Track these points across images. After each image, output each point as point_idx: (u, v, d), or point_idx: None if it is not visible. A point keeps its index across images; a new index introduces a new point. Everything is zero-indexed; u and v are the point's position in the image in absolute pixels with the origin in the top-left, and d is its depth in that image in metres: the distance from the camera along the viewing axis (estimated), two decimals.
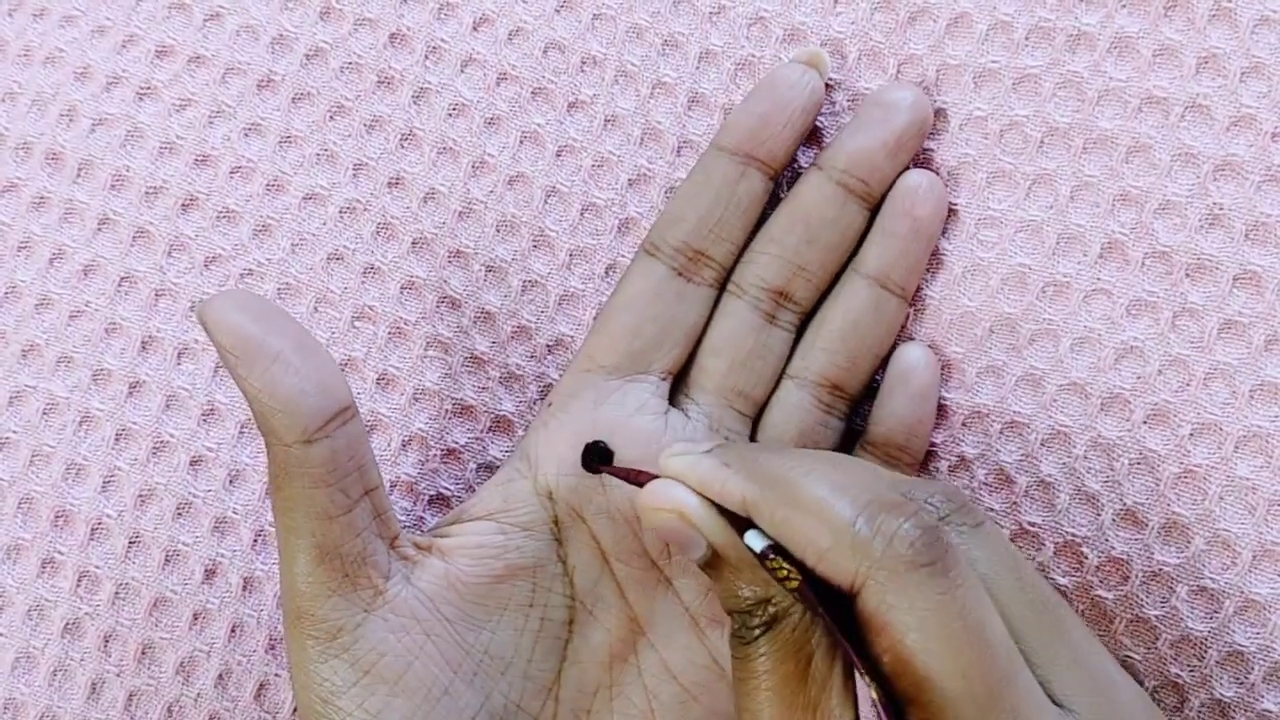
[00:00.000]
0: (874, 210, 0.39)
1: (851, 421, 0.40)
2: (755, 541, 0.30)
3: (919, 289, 0.40)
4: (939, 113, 0.40)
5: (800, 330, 0.40)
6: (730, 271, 0.40)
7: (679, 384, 0.39)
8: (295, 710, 0.40)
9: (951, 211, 0.40)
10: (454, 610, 0.36)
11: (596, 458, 0.37)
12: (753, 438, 0.39)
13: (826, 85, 0.41)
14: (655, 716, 0.37)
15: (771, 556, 0.30)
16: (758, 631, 0.30)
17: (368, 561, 0.34)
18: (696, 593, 0.38)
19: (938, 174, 0.40)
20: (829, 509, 0.29)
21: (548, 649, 0.37)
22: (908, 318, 0.40)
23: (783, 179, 0.41)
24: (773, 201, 0.41)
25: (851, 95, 0.41)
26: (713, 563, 0.31)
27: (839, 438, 0.40)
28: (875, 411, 0.39)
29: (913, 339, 0.40)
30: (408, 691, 0.34)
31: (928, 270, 0.40)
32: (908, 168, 0.40)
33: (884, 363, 0.40)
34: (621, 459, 0.37)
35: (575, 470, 0.37)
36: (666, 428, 0.38)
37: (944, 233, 0.40)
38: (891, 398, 0.39)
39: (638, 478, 0.33)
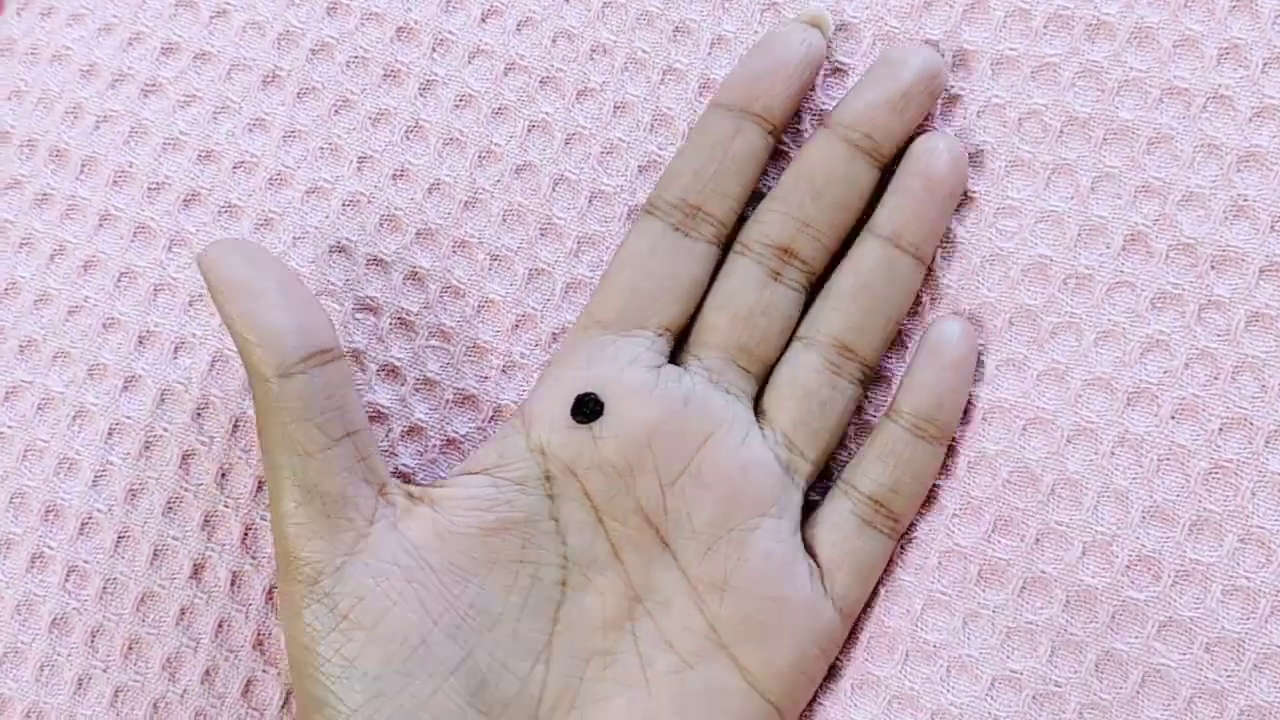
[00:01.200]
0: (884, 170, 0.39)
1: (876, 405, 0.39)
2: None
3: (937, 276, 0.39)
4: (955, 99, 0.40)
5: (813, 295, 0.39)
6: (732, 229, 0.39)
7: (685, 342, 0.39)
8: (284, 707, 0.39)
9: (969, 199, 0.39)
10: (440, 559, 0.35)
11: (586, 409, 0.37)
12: (759, 397, 0.39)
13: (840, 69, 0.40)
14: (650, 686, 0.36)
15: None
16: None
17: (349, 503, 0.35)
18: (695, 556, 0.37)
19: None
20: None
21: (538, 609, 0.36)
22: (926, 304, 0.39)
23: (792, 150, 0.40)
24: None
25: None
26: None
27: (850, 402, 0.39)
28: (905, 379, 0.38)
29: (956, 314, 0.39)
30: (384, 638, 0.34)
31: (945, 258, 0.39)
32: (925, 129, 0.39)
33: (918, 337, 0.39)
34: (612, 412, 0.37)
35: (567, 424, 0.37)
36: (659, 381, 0.37)
37: (961, 220, 0.39)
38: (922, 367, 0.38)
39: None
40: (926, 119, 0.40)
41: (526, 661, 0.36)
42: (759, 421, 0.38)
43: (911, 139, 0.39)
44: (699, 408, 0.37)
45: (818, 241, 0.38)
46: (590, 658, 0.36)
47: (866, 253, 0.38)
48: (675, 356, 0.39)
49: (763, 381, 0.39)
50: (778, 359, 0.39)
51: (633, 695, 0.36)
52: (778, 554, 0.37)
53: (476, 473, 0.37)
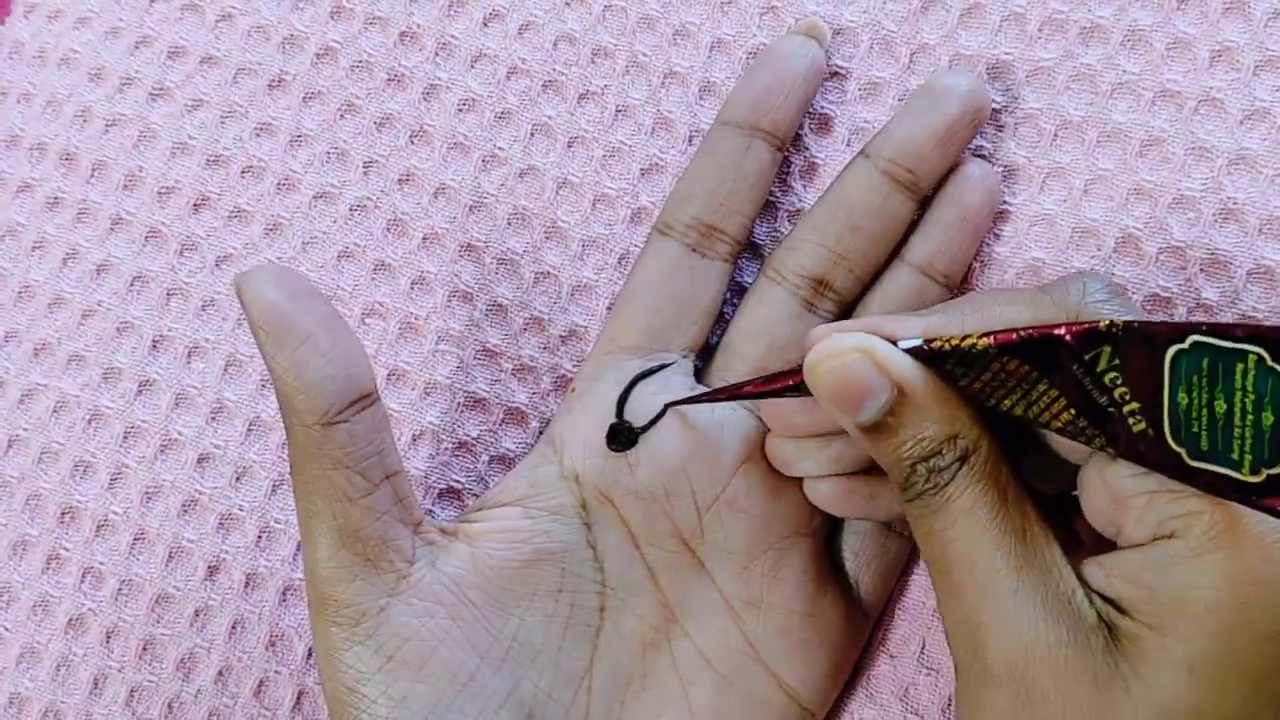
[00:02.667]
0: (920, 201, 0.39)
1: None
2: (984, 338, 0.31)
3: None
4: None
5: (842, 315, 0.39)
6: (744, 244, 0.39)
7: (711, 366, 0.39)
8: (295, 708, 0.40)
9: None
10: (480, 595, 0.35)
11: (622, 438, 0.37)
12: None
13: (838, 73, 0.41)
14: (691, 705, 0.36)
15: (956, 339, 0.31)
16: (953, 470, 0.31)
17: (389, 545, 0.34)
18: (731, 576, 0.37)
19: None
20: (1017, 295, 0.32)
21: (578, 637, 0.36)
22: None
23: (792, 155, 0.41)
24: (785, 175, 0.41)
25: (863, 84, 0.41)
26: (893, 411, 0.31)
27: None
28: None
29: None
30: (432, 677, 0.34)
31: None
32: (962, 157, 0.39)
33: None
34: (648, 439, 0.37)
35: (601, 453, 0.37)
36: (692, 406, 0.37)
37: None
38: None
39: (761, 386, 0.34)
40: None
41: (569, 689, 0.36)
42: None
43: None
44: (733, 433, 0.37)
45: (851, 273, 0.38)
46: (630, 680, 0.36)
47: (896, 280, 0.38)
48: (700, 376, 0.39)
49: None
50: None
51: (674, 715, 0.36)
52: (812, 570, 0.37)
53: (508, 504, 0.37)
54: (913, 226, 0.39)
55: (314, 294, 0.33)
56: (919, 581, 0.39)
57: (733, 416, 0.37)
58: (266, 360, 0.33)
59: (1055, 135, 0.40)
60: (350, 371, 0.33)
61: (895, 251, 0.39)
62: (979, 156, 0.40)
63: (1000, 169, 0.40)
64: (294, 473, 0.34)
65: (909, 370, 0.31)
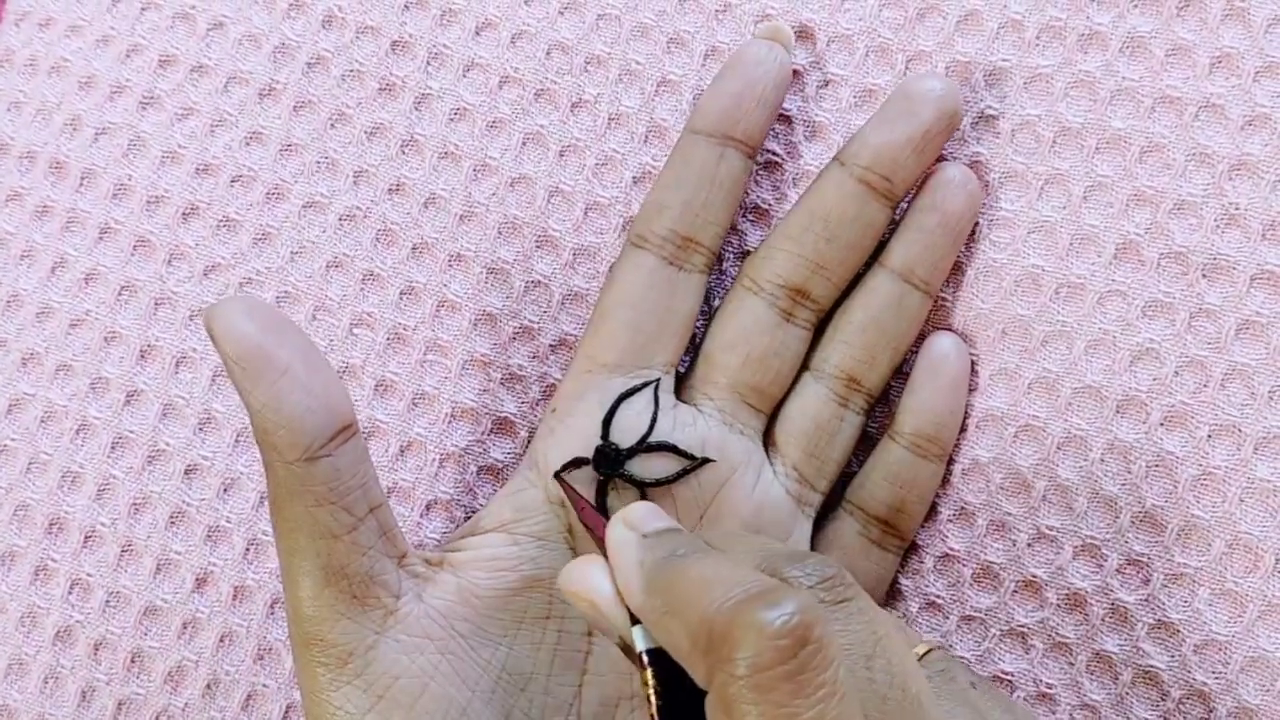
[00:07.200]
0: (896, 207, 0.38)
1: (871, 418, 0.40)
2: (641, 642, 0.29)
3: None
4: None
5: (823, 326, 0.39)
6: (718, 255, 0.39)
7: (691, 379, 0.38)
8: None
9: None
10: (469, 626, 0.34)
11: (609, 461, 0.36)
12: (769, 431, 0.38)
13: (832, 80, 0.41)
14: None
15: (646, 666, 0.29)
16: None
17: (376, 581, 0.33)
18: None
19: None
20: (687, 608, 0.27)
21: (567, 662, 0.36)
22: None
23: (786, 163, 0.40)
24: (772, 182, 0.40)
25: (858, 91, 0.40)
26: (626, 650, 0.30)
27: (856, 430, 0.39)
28: (904, 401, 0.38)
29: (948, 329, 0.39)
30: (424, 714, 0.33)
31: None
32: (940, 160, 0.39)
33: (913, 353, 0.39)
34: (633, 462, 0.36)
35: (587, 475, 0.36)
36: (675, 426, 0.37)
37: None
38: (922, 387, 0.38)
39: (598, 531, 0.33)
40: None
41: (559, 716, 0.35)
42: (768, 453, 0.38)
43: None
44: (715, 452, 0.37)
45: (829, 281, 0.38)
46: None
47: (877, 287, 0.38)
48: (680, 390, 0.38)
49: (770, 414, 0.38)
50: (786, 393, 0.38)
51: None
52: None
53: (492, 530, 0.36)
54: (890, 230, 0.38)
55: (286, 324, 0.32)
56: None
57: (714, 435, 0.37)
58: (242, 396, 0.31)
59: (1054, 141, 0.39)
60: (329, 402, 0.32)
61: (874, 255, 0.39)
62: (974, 163, 0.39)
63: (998, 175, 0.39)
64: (274, 511, 0.33)
65: (625, 630, 0.29)
